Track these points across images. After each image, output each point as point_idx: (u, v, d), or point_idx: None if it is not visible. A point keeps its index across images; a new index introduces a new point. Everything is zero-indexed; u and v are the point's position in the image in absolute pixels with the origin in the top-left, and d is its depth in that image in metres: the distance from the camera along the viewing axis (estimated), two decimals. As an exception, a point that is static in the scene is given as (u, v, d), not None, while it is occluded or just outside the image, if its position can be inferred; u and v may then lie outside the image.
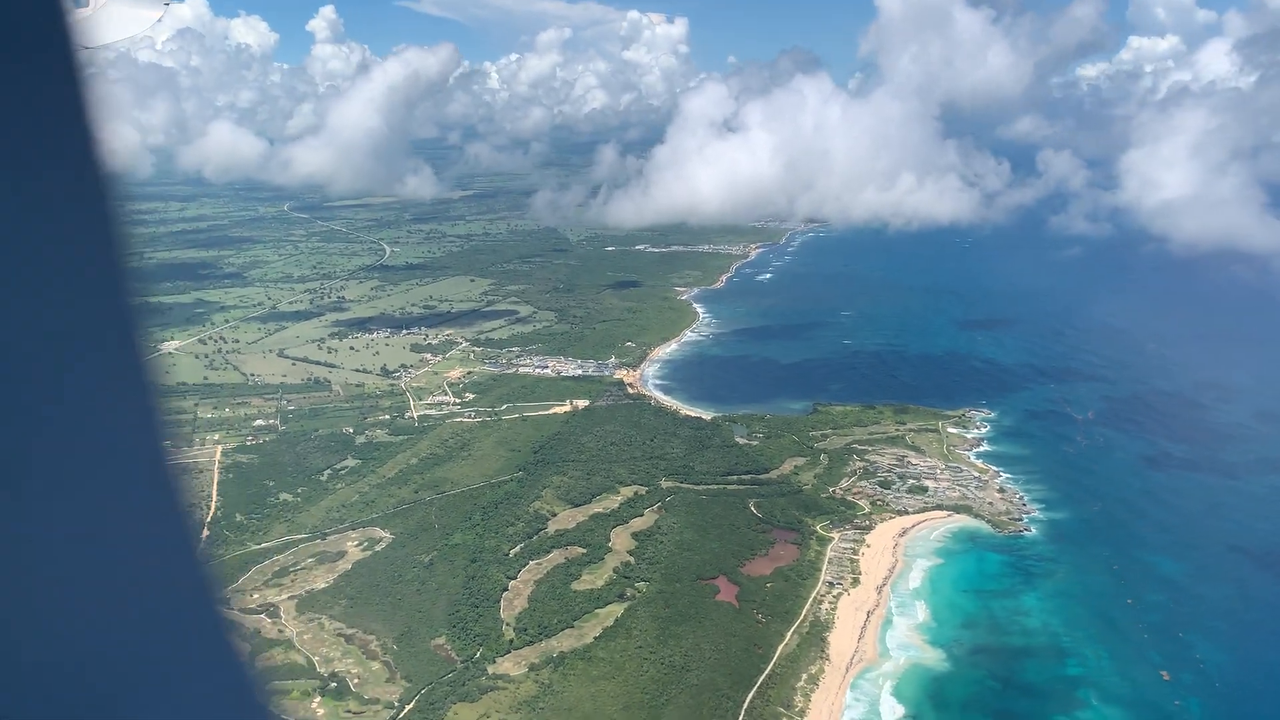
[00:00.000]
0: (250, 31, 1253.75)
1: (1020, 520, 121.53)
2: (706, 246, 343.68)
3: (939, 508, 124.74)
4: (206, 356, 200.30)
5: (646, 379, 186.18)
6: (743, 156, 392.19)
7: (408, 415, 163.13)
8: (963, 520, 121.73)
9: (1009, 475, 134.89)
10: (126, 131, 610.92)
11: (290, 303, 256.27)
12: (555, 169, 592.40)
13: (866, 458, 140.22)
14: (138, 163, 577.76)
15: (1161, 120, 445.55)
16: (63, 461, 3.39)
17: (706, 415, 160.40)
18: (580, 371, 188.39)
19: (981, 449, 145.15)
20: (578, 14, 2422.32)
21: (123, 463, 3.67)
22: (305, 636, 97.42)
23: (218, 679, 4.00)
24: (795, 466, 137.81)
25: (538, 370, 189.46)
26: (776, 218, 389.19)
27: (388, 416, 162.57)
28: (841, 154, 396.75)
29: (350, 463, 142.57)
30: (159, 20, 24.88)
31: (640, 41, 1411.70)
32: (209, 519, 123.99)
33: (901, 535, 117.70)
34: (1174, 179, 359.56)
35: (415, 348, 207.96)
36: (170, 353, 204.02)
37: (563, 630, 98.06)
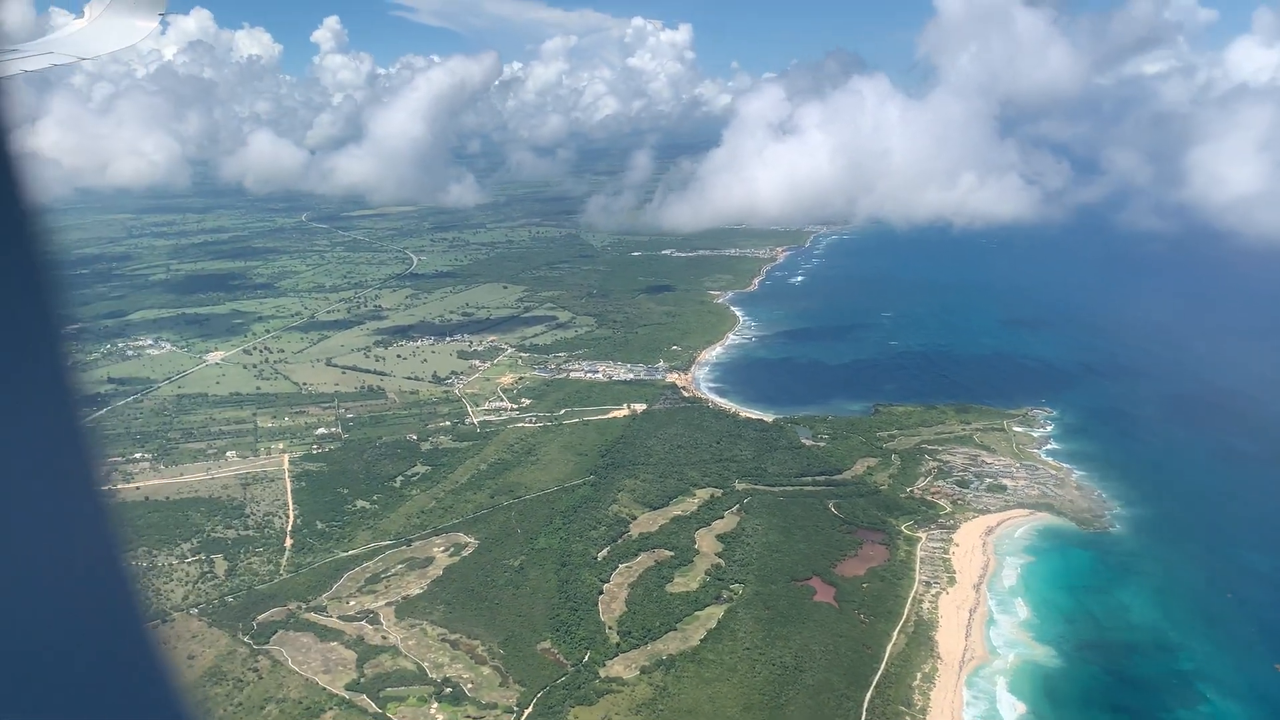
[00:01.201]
0: (255, 43, 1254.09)
1: (1103, 517, 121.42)
2: (733, 250, 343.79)
3: (1020, 506, 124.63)
4: (255, 367, 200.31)
5: (698, 382, 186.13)
6: (801, 158, 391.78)
7: (468, 421, 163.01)
8: (1045, 518, 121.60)
9: (1083, 473, 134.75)
10: (165, 142, 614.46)
11: (328, 312, 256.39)
12: (588, 175, 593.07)
13: (939, 458, 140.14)
14: (175, 173, 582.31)
15: (1225, 116, 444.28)
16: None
17: (767, 417, 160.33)
18: (631, 376, 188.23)
19: (1050, 447, 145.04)
20: (575, 21, 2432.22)
21: (52, 474, 3.67)
22: (410, 642, 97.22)
23: (145, 687, 4.10)
24: (868, 467, 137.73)
25: (588, 375, 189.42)
26: (835, 219, 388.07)
27: (448, 423, 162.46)
28: (900, 154, 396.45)
29: (420, 469, 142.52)
30: (152, 31, 25.17)
31: (645, 48, 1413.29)
32: (290, 527, 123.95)
33: (988, 534, 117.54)
34: (1242, 175, 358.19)
35: (462, 354, 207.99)
36: (217, 363, 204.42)
37: (666, 633, 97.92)
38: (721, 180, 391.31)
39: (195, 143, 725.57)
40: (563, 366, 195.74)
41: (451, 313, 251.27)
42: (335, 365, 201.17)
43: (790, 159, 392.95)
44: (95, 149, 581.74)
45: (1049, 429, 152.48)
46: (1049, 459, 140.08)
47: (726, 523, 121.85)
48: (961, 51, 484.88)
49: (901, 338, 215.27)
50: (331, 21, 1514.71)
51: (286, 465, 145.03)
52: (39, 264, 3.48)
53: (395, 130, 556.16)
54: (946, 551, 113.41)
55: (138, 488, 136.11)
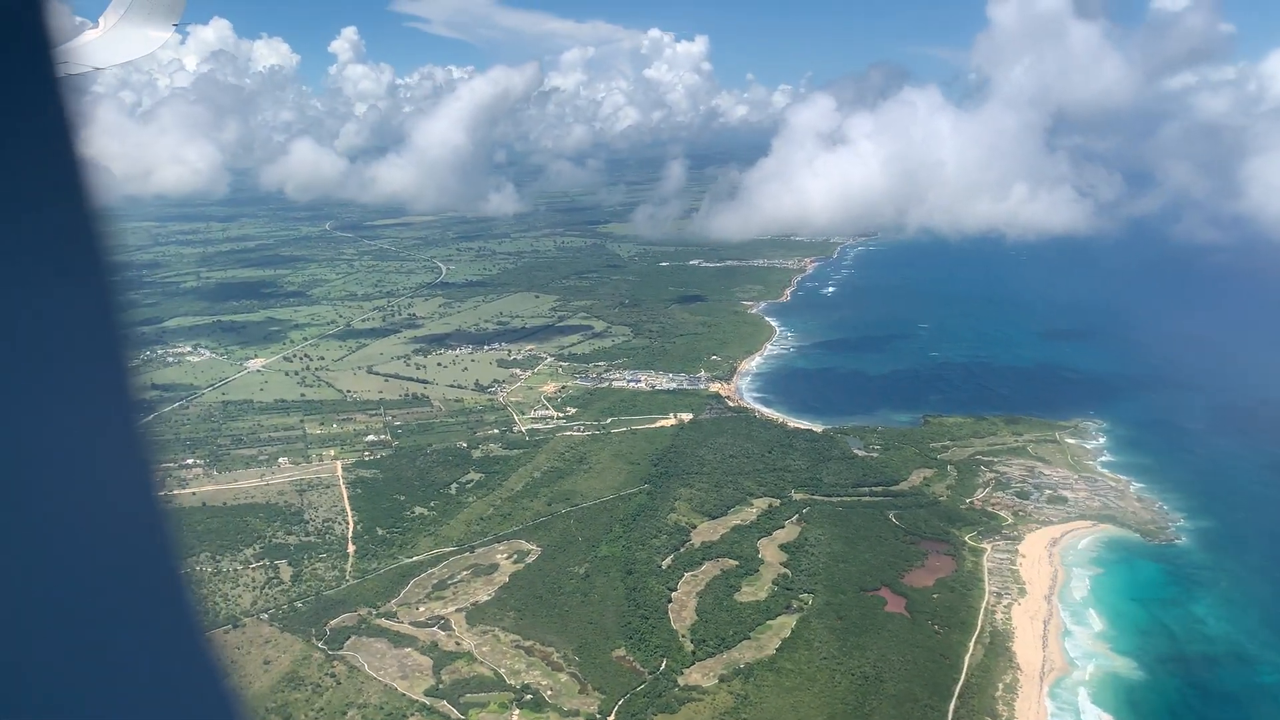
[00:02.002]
0: (273, 53, 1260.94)
1: (1168, 529, 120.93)
2: (762, 261, 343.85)
3: (1081, 518, 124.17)
4: (297, 374, 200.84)
5: (741, 392, 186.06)
6: (853, 169, 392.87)
7: (516, 429, 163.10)
8: (1109, 530, 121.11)
9: (1141, 485, 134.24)
10: (206, 150, 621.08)
11: (363, 320, 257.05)
12: (613, 186, 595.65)
13: (995, 469, 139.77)
14: (215, 181, 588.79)
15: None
16: (48, 466, 3.42)
17: (816, 427, 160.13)
18: (674, 385, 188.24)
19: (1105, 459, 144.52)
20: (587, 33, 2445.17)
21: (106, 469, 3.69)
22: (484, 649, 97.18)
23: (195, 688, 4.04)
24: (925, 478, 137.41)
25: (630, 384, 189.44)
26: (886, 229, 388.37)
27: (496, 431, 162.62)
28: (952, 165, 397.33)
29: (474, 476, 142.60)
30: (168, 41, 25.24)
31: (661, 59, 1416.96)
32: (350, 533, 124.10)
33: (1052, 545, 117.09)
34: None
35: (501, 363, 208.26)
36: (259, 370, 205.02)
37: (740, 642, 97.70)
38: (771, 190, 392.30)
39: (232, 151, 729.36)
40: (604, 375, 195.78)
41: (486, 322, 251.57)
42: (377, 373, 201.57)
43: (842, 169, 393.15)
44: (139, 157, 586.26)
45: (1101, 441, 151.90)
46: (1106, 471, 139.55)
47: (788, 532, 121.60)
48: (1015, 63, 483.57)
49: (940, 349, 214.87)
50: (349, 32, 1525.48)
51: (340, 472, 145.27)
52: (105, 268, 3.57)
53: (437, 139, 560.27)
54: (1013, 562, 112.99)
55: (194, 493, 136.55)
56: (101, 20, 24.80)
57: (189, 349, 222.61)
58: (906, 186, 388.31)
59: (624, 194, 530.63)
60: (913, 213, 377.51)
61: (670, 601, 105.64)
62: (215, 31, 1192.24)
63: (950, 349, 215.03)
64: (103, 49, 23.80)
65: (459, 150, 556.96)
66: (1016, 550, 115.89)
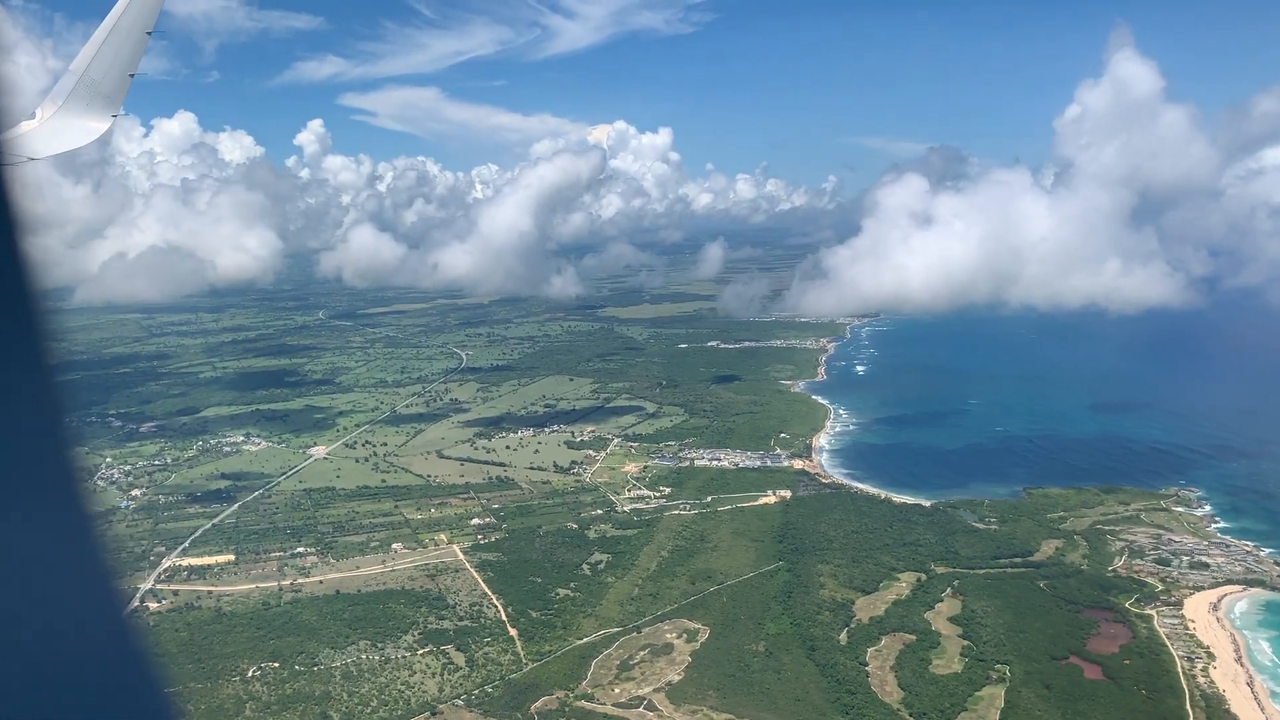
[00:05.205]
0: (237, 145, 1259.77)
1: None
2: (779, 342, 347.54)
3: (1229, 582, 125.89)
4: (367, 460, 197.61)
5: (825, 468, 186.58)
6: (945, 247, 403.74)
7: (619, 510, 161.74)
8: (1261, 593, 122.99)
9: (1270, 550, 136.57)
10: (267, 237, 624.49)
11: (405, 405, 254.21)
12: (646, 270, 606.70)
13: (1120, 537, 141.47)
14: (264, 270, 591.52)
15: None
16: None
17: (922, 501, 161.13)
18: (756, 463, 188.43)
19: (1219, 525, 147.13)
20: (535, 126, 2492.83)
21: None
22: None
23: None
24: (1056, 548, 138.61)
25: (712, 462, 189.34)
26: (986, 306, 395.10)
27: (600, 511, 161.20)
28: (1042, 243, 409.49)
29: (600, 557, 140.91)
30: (105, 132, 25.54)
31: (627, 150, 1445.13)
32: (504, 616, 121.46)
33: (1213, 610, 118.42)
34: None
35: (569, 444, 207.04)
36: (326, 458, 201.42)
37: (959, 713, 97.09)
38: (866, 268, 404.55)
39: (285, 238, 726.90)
40: (682, 455, 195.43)
41: (533, 405, 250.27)
42: (447, 457, 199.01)
43: (935, 247, 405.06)
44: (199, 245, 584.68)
45: (1207, 509, 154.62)
46: (1228, 537, 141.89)
47: (949, 605, 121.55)
48: (1103, 145, 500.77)
49: (1000, 423, 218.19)
50: (315, 125, 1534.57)
51: (460, 555, 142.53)
52: (46, 358, 3.63)
53: (503, 224, 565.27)
54: (1185, 627, 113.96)
55: (320, 581, 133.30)
56: (38, 111, 24.94)
57: (242, 438, 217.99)
58: (1001, 263, 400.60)
59: (659, 274, 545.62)
60: (1007, 289, 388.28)
61: (868, 675, 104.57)
62: (180, 124, 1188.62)
63: (1009, 423, 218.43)
64: (39, 140, 23.72)
65: (525, 235, 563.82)
66: (1182, 615, 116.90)
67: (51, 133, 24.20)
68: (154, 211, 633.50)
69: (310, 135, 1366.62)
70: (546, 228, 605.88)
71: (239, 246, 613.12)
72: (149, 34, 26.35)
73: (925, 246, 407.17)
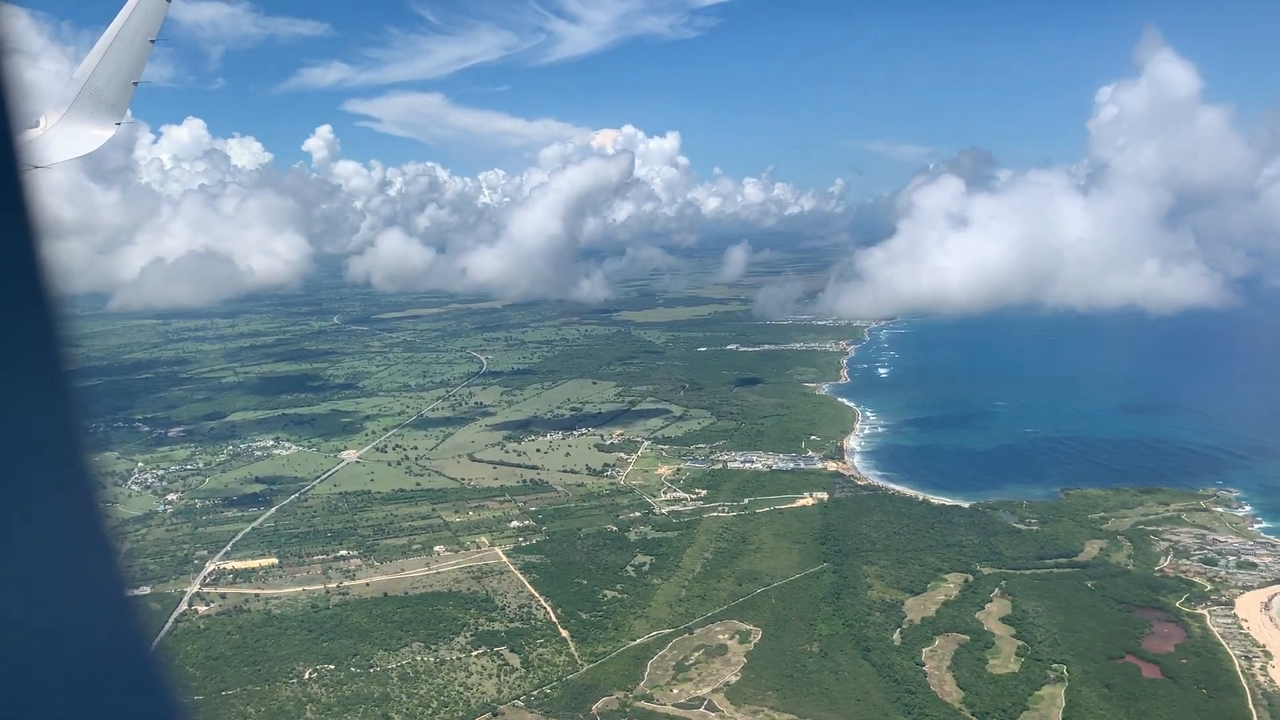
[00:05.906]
0: (245, 151, 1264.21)
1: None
2: (798, 345, 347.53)
3: (1277, 582, 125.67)
4: (400, 464, 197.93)
5: (860, 470, 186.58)
6: (982, 248, 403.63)
7: (657, 512, 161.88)
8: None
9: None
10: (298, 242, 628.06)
11: (431, 409, 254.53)
12: (670, 273, 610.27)
13: (1164, 538, 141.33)
14: (294, 274, 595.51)
15: None
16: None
17: (961, 503, 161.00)
18: (790, 465, 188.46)
19: (1262, 524, 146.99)
20: (538, 131, 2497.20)
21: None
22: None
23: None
24: (1100, 549, 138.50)
25: (745, 464, 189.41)
26: (1021, 306, 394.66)
27: (638, 514, 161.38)
28: (1080, 244, 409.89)
29: (643, 559, 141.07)
30: (109, 139, 25.53)
31: (635, 154, 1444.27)
32: (554, 618, 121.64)
33: (1265, 609, 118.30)
34: None
35: (599, 447, 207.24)
36: (358, 461, 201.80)
37: (1021, 713, 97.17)
38: (902, 270, 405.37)
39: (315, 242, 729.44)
40: (715, 457, 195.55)
41: (558, 408, 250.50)
42: (480, 460, 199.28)
43: (972, 249, 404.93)
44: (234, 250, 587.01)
45: (1248, 509, 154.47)
46: (1272, 537, 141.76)
47: (999, 606, 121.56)
48: (1140, 146, 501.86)
49: (1030, 424, 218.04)
50: (324, 130, 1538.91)
51: (504, 557, 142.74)
52: (62, 363, 3.69)
53: (532, 229, 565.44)
54: (1239, 627, 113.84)
55: (367, 584, 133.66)
56: (42, 119, 24.99)
57: (271, 442, 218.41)
58: (1039, 264, 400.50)
59: (684, 277, 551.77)
60: (1045, 289, 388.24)
61: (926, 675, 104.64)
62: (190, 131, 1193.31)
63: (1038, 424, 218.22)
64: (43, 148, 23.78)
65: (554, 239, 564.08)
66: (1234, 615, 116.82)
67: (55, 140, 24.36)
68: (184, 217, 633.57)
69: (319, 141, 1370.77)
70: (575, 231, 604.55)
71: (269, 251, 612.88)
72: (153, 42, 26.48)
73: (962, 248, 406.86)
